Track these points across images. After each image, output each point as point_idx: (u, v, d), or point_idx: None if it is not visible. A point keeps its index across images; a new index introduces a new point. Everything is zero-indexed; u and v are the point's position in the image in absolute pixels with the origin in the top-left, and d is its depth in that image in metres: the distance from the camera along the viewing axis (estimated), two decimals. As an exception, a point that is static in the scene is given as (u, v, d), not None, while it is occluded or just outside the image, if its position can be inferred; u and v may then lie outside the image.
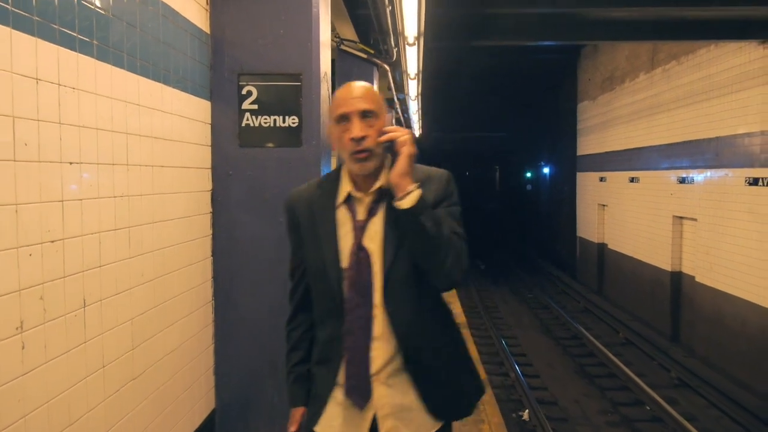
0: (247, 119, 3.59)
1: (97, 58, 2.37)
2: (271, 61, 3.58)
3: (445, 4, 6.93)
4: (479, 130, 27.10)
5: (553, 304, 13.88)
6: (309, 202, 1.98)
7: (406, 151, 1.80)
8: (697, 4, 7.42)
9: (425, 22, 5.85)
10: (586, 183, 15.95)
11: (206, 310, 3.58)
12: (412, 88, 9.54)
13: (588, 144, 15.83)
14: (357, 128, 1.82)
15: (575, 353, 10.33)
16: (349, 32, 7.46)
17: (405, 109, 13.96)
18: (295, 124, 3.57)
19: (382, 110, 1.87)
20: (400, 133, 1.82)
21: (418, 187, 1.80)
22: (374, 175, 1.89)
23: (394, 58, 7.74)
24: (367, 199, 1.91)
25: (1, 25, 1.84)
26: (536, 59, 17.72)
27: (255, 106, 3.59)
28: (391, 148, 1.84)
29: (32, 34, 1.99)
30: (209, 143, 3.57)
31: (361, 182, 1.92)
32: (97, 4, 2.37)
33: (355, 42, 7.73)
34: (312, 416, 1.98)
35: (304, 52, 3.57)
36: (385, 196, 1.89)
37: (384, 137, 1.83)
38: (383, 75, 9.16)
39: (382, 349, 1.88)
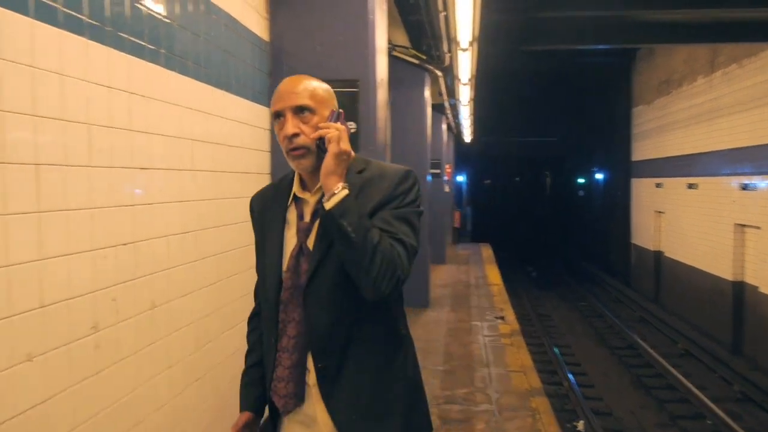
0: (305, 125, 3.63)
1: (164, 67, 2.44)
2: (329, 68, 3.62)
3: (498, 9, 6.90)
4: (529, 135, 26.82)
5: (607, 313, 13.57)
6: (263, 201, 1.89)
7: (332, 149, 1.63)
8: (756, 5, 7.19)
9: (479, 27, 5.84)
10: (642, 189, 15.58)
11: (264, 314, 3.62)
12: (464, 93, 9.51)
13: (643, 149, 15.47)
14: (289, 125, 1.68)
15: (631, 363, 10.07)
16: (401, 38, 7.49)
17: (456, 115, 13.91)
18: (353, 130, 3.59)
19: (320, 105, 1.71)
20: (328, 131, 1.66)
21: (347, 188, 1.63)
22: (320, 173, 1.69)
23: (446, 64, 7.73)
24: (313, 200, 1.76)
25: (77, 35, 1.91)
26: (589, 63, 17.46)
27: (313, 113, 3.62)
28: (322, 147, 1.68)
29: (105, 43, 2.06)
30: (269, 149, 3.63)
31: (308, 182, 1.78)
32: (165, 14, 2.44)
33: (407, 48, 7.76)
34: (268, 425, 1.87)
35: (361, 58, 3.60)
36: None
37: (314, 134, 1.68)
38: (434, 80, 9.16)
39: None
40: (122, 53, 2.14)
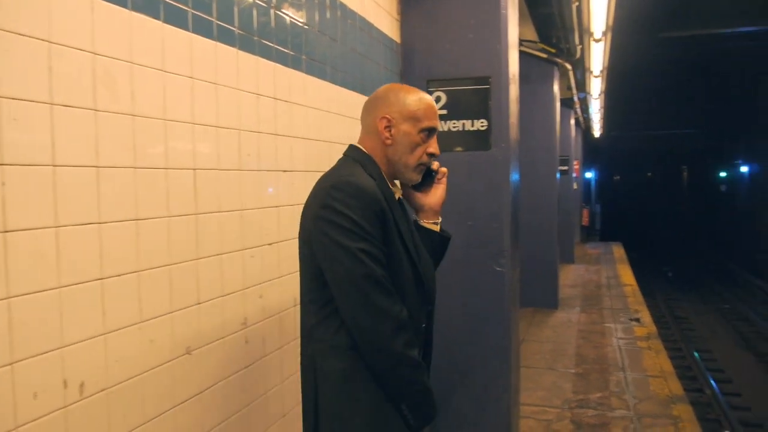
0: (436, 124, 3.63)
1: (305, 72, 2.52)
2: (460, 66, 3.59)
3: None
4: (664, 128, 25.40)
5: (754, 316, 12.56)
6: (383, 195, 1.72)
7: (445, 183, 1.97)
8: None
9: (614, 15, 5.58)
10: (795, 183, 14.28)
11: (397, 312, 3.66)
12: (595, 86, 9.14)
13: (797, 139, 14.16)
14: (437, 146, 1.87)
15: (784, 373, 9.28)
16: (528, 32, 7.31)
17: (584, 109, 13.41)
18: (484, 128, 3.55)
19: None
20: (438, 164, 1.95)
21: None
22: None
23: (577, 56, 7.47)
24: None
25: (228, 46, 2.01)
26: (732, 48, 16.24)
27: (444, 111, 3.62)
28: (433, 176, 1.95)
29: (254, 52, 2.16)
30: (400, 149, 3.66)
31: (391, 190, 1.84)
32: (306, 21, 2.52)
33: (535, 42, 7.57)
34: None
35: (493, 54, 3.53)
36: None
37: (437, 165, 1.94)
38: (563, 74, 8.88)
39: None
40: (269, 61, 2.24)
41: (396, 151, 1.81)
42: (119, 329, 1.56)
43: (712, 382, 8.57)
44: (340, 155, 2.84)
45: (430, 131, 1.83)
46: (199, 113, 1.85)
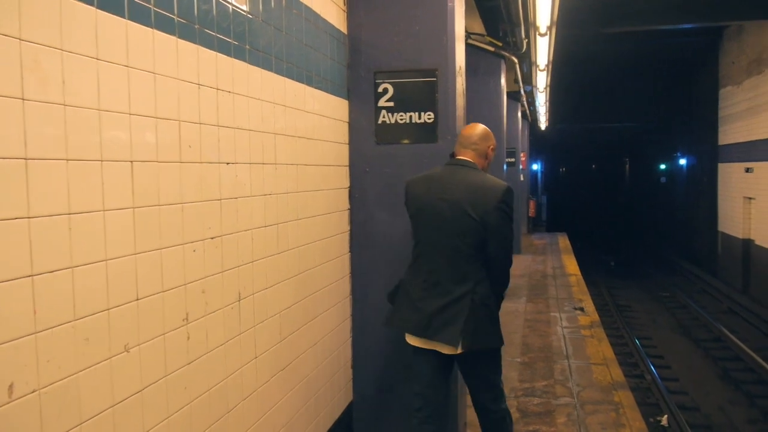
0: (384, 116, 3.62)
1: (249, 62, 2.47)
2: (407, 58, 3.58)
3: (577, -10, 6.67)
4: (607, 121, 25.94)
5: (692, 304, 13.03)
6: None
7: None
8: None
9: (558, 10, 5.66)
10: (729, 174, 14.83)
11: (344, 305, 3.65)
12: (541, 79, 9.27)
13: (731, 132, 14.70)
14: None
15: (718, 356, 9.64)
16: (476, 25, 7.38)
17: (531, 102, 13.62)
18: (431, 120, 3.56)
19: None
20: None
21: None
22: None
23: (523, 50, 7.56)
24: None
25: (167, 34, 1.95)
26: (671, 44, 16.72)
27: (391, 104, 3.61)
28: None
29: (194, 41, 2.09)
30: (347, 141, 3.64)
31: None
32: (249, 10, 2.47)
33: (483, 35, 7.63)
34: None
35: (440, 47, 3.54)
36: None
37: None
38: (510, 67, 8.99)
39: None
40: (210, 50, 2.18)
41: (486, 169, 3.02)
42: (51, 328, 1.50)
43: (652, 368, 8.86)
44: (285, 146, 2.81)
45: None
46: (136, 103, 1.79)
